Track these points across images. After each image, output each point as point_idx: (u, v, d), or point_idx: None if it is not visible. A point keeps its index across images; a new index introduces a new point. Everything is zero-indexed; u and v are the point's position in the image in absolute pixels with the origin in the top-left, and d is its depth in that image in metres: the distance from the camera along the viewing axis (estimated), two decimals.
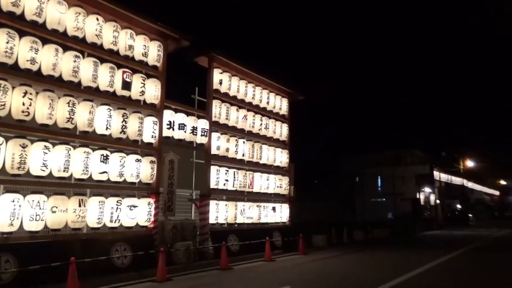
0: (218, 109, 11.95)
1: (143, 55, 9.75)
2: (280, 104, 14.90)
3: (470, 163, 46.73)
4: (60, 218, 7.59)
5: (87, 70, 8.40)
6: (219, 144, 11.84)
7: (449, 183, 43.49)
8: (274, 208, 13.84)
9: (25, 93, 7.31)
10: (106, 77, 8.75)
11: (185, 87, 12.63)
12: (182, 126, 10.69)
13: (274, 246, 12.63)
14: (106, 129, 8.66)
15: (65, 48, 8.09)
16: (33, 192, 7.34)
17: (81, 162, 8.04)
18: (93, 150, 8.38)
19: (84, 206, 8.02)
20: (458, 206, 42.49)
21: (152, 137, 9.74)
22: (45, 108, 7.57)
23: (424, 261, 11.09)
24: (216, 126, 11.90)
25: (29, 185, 7.50)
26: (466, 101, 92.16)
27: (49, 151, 7.54)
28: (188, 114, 11.02)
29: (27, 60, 7.43)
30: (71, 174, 8.00)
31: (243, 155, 12.75)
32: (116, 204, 8.66)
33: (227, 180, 11.95)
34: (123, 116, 9.01)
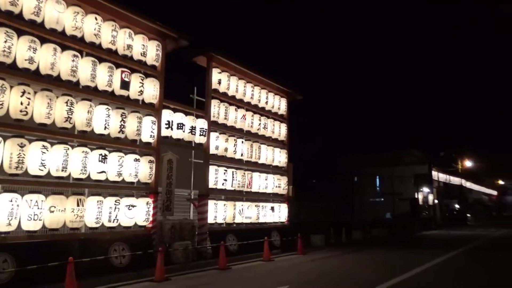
0: (217, 109, 11.94)
1: (141, 55, 9.73)
2: (279, 104, 14.90)
3: (468, 163, 46.81)
4: (58, 217, 7.58)
5: (85, 70, 8.38)
6: (218, 143, 11.83)
7: (447, 183, 43.56)
8: (272, 208, 13.84)
9: (23, 92, 7.29)
10: (105, 76, 8.74)
11: (184, 86, 12.62)
12: (180, 126, 10.68)
13: (272, 246, 12.63)
14: (105, 128, 8.65)
15: (64, 48, 8.08)
16: (31, 192, 7.32)
17: (79, 162, 8.03)
18: (92, 149, 8.37)
19: (82, 206, 8.01)
20: (456, 206, 42.55)
21: (151, 137, 9.72)
22: (43, 108, 7.55)
23: (422, 261, 11.10)
24: (215, 126, 11.89)
25: (27, 185, 7.48)
26: (465, 101, 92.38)
27: (47, 150, 7.52)
28: (186, 113, 11.01)
29: (25, 60, 7.41)
30: (69, 174, 7.99)
31: (241, 154, 12.75)
32: (115, 204, 8.64)
33: (225, 180, 11.95)
34: (121, 115, 8.99)
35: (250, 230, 12.53)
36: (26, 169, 7.30)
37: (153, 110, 9.96)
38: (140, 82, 9.55)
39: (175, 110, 10.63)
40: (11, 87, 7.22)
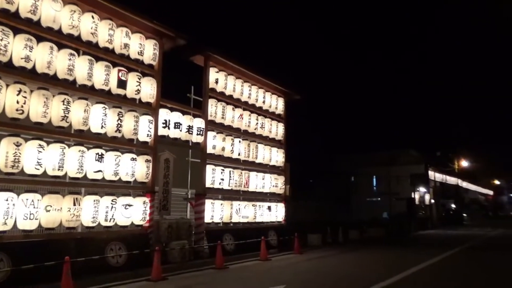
0: (214, 108, 11.93)
1: (138, 54, 9.71)
2: (276, 104, 14.90)
3: (464, 163, 46.97)
4: (54, 217, 7.55)
5: (82, 68, 8.35)
6: (215, 143, 11.82)
7: (444, 183, 43.69)
8: (269, 208, 13.84)
9: (20, 91, 7.26)
10: (102, 75, 8.71)
11: (181, 86, 12.61)
12: (177, 125, 10.67)
13: (269, 245, 12.63)
14: (101, 127, 8.62)
15: (60, 46, 8.05)
16: (27, 191, 7.29)
17: (76, 161, 8.00)
18: (88, 148, 8.35)
19: (79, 205, 7.99)
20: (453, 205, 42.70)
21: (148, 136, 9.70)
22: (40, 106, 7.52)
23: (419, 260, 11.13)
24: (212, 125, 11.88)
25: (23, 184, 7.45)
26: (462, 101, 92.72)
27: (43, 149, 7.49)
28: (184, 113, 11.00)
29: (22, 58, 7.38)
30: (66, 173, 7.96)
31: (238, 154, 12.75)
32: (111, 203, 8.62)
33: (222, 179, 11.94)
34: (118, 114, 8.97)
35: (247, 230, 12.54)
36: (22, 168, 7.27)
37: (150, 109, 9.94)
38: (137, 81, 9.52)
39: (172, 109, 10.61)
40: (7, 85, 7.19)
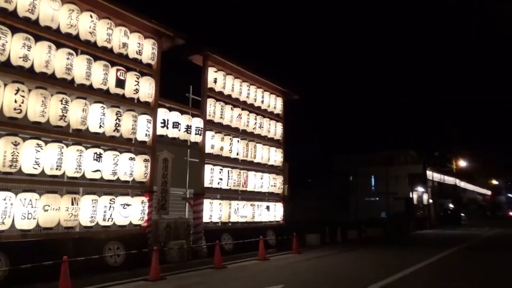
0: (213, 108, 11.92)
1: (137, 53, 9.69)
2: (275, 103, 14.90)
3: (462, 163, 47.07)
4: (52, 216, 7.54)
5: (80, 68, 8.33)
6: (213, 142, 11.81)
7: (442, 183, 43.78)
8: (268, 207, 13.84)
9: (18, 90, 7.24)
10: (100, 74, 8.69)
11: (180, 85, 12.59)
12: (176, 125, 10.65)
13: (268, 245, 12.63)
14: (100, 127, 8.61)
15: (58, 45, 8.03)
16: (25, 190, 7.27)
17: (74, 160, 7.98)
18: (86, 148, 8.32)
19: (77, 205, 7.97)
20: (451, 205, 42.79)
21: (146, 136, 9.69)
22: (38, 106, 7.50)
23: (417, 260, 11.15)
24: (211, 125, 11.87)
25: (21, 183, 7.43)
26: (461, 101, 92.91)
27: (41, 149, 7.48)
28: (182, 112, 10.99)
29: (20, 57, 7.36)
30: (64, 172, 7.94)
31: (237, 154, 12.74)
32: (109, 203, 8.61)
33: (221, 179, 11.93)
34: (116, 114, 8.96)
35: (246, 229, 12.53)
36: (20, 168, 7.25)
37: (149, 108, 9.93)
38: (136, 81, 9.51)
39: (170, 109, 10.60)
40: (5, 84, 7.17)
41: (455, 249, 14.98)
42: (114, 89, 9.04)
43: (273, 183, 14.22)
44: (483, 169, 56.99)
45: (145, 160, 9.52)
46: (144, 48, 9.84)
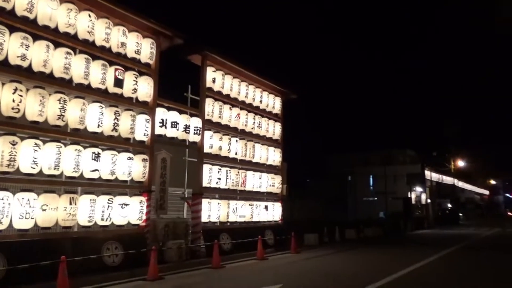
0: (211, 108, 11.92)
1: (135, 53, 9.67)
2: (273, 103, 14.90)
3: (460, 163, 47.20)
4: (50, 216, 7.52)
5: (78, 67, 8.31)
6: (212, 142, 11.81)
7: (440, 183, 43.90)
8: (266, 207, 13.85)
9: (15, 89, 7.22)
10: (98, 74, 8.68)
11: (178, 85, 12.58)
12: (174, 124, 10.64)
13: (266, 244, 12.64)
14: (98, 126, 8.59)
15: (57, 45, 8.00)
16: (23, 190, 7.25)
17: (72, 160, 7.96)
18: (85, 148, 8.30)
19: (75, 204, 7.95)
20: (449, 205, 42.91)
21: (145, 135, 9.68)
22: (36, 105, 7.48)
23: (415, 260, 11.17)
24: (209, 125, 11.86)
25: (18, 183, 7.40)
26: (459, 101, 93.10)
27: (39, 148, 7.46)
28: (181, 112, 10.97)
29: (18, 56, 7.34)
30: (62, 172, 7.92)
31: (235, 153, 12.74)
32: (108, 202, 8.59)
33: (219, 179, 11.93)
34: (115, 113, 8.94)
35: (244, 229, 12.53)
36: (18, 167, 7.23)
37: (147, 108, 9.91)
38: (134, 80, 9.49)
39: (169, 109, 10.59)
40: (3, 84, 7.15)
41: (453, 248, 15.02)
42: (112, 89, 9.02)
43: (271, 182, 14.23)
44: (481, 169, 57.16)
45: (144, 160, 9.51)
46: (142, 47, 9.83)
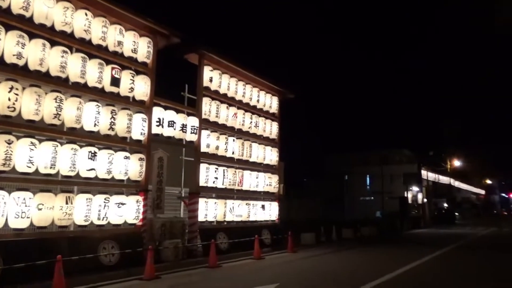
0: (208, 107, 11.90)
1: (132, 51, 9.65)
2: (270, 103, 14.90)
3: (457, 163, 47.36)
4: (46, 215, 7.49)
5: (75, 66, 8.28)
6: (209, 141, 11.79)
7: (436, 182, 44.05)
8: (263, 206, 13.85)
9: (11, 88, 7.18)
10: (95, 73, 8.65)
11: (175, 84, 12.56)
12: (171, 123, 10.63)
13: (263, 244, 12.64)
14: (94, 125, 8.57)
15: (53, 43, 7.98)
16: (18, 189, 7.22)
17: (68, 159, 7.94)
18: (81, 146, 8.28)
19: (71, 204, 7.93)
20: (445, 204, 43.03)
21: (141, 134, 9.66)
22: (32, 104, 7.45)
23: (412, 259, 11.19)
24: (206, 124, 11.85)
25: (14, 182, 7.38)
26: (456, 101, 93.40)
27: (35, 147, 7.43)
28: (178, 111, 10.95)
29: (14, 55, 7.31)
30: (58, 171, 7.90)
31: (232, 153, 12.73)
32: (104, 202, 8.57)
33: (216, 178, 11.92)
34: (111, 112, 8.92)
35: (241, 228, 12.53)
36: (14, 166, 7.20)
37: (144, 107, 9.89)
38: (131, 79, 9.47)
39: (166, 108, 10.57)
40: None
41: (450, 248, 15.06)
42: (109, 88, 9.00)
43: (268, 182, 14.23)
44: (478, 168, 57.37)
45: (140, 159, 9.49)
46: (139, 46, 9.80)
